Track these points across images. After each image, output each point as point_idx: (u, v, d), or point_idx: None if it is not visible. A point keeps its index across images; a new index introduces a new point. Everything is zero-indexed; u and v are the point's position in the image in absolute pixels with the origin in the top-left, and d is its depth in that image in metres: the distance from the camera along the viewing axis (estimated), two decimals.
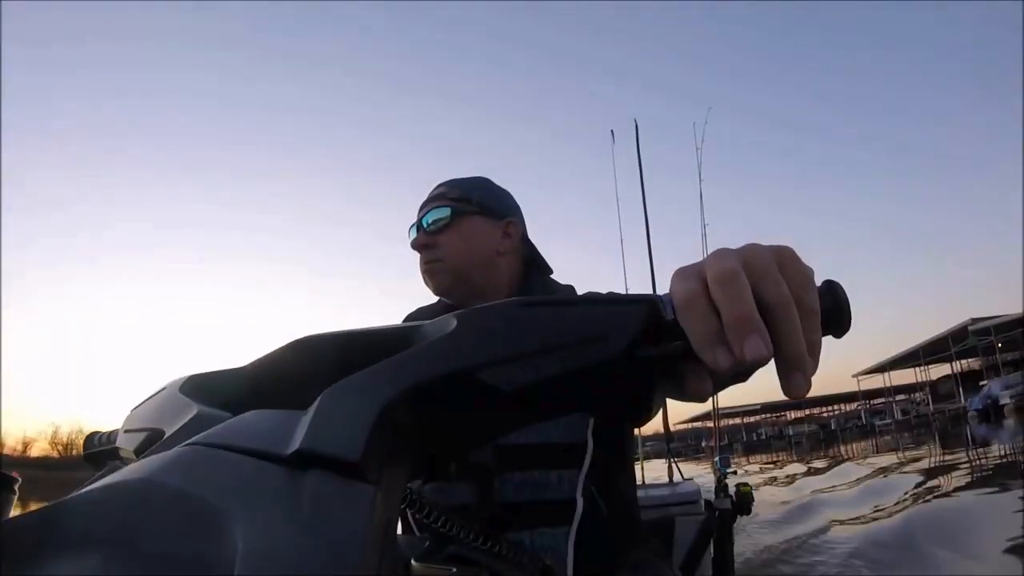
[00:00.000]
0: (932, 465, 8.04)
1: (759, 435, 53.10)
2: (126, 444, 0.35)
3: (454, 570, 0.37)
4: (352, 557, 0.19)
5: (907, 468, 7.97)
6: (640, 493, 1.03)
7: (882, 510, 4.81)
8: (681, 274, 0.29)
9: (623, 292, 0.84)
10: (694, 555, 1.21)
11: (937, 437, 15.29)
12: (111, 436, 0.45)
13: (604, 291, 0.84)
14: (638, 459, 2.54)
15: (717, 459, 1.91)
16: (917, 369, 35.01)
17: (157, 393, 0.36)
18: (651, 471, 3.11)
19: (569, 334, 0.27)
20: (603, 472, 0.78)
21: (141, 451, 0.32)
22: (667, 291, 0.30)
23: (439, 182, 0.92)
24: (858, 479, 7.51)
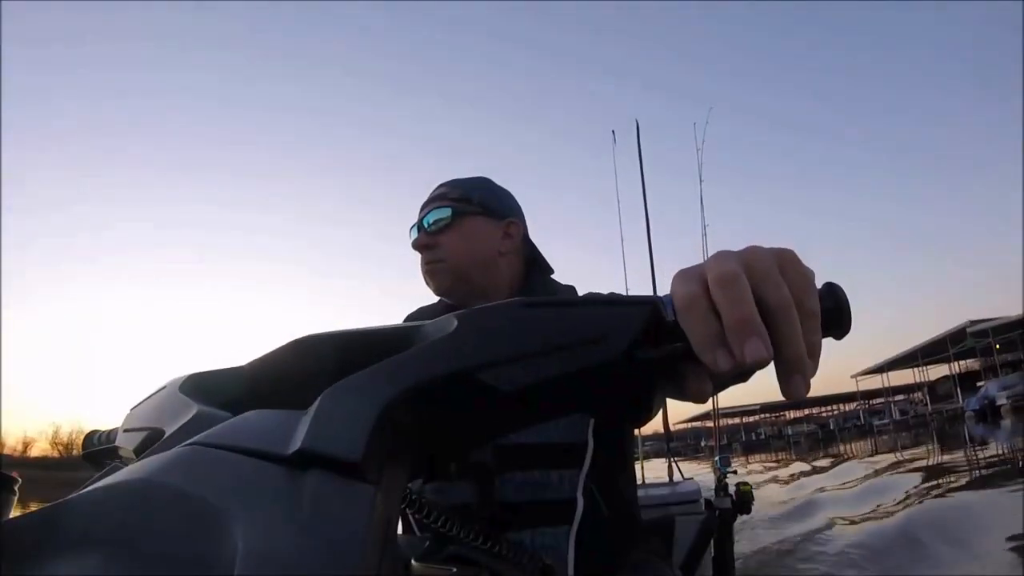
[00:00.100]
0: (930, 464, 8.07)
1: (758, 435, 53.20)
2: (126, 443, 0.35)
3: (454, 570, 0.37)
4: (352, 557, 0.19)
5: (906, 468, 8.00)
6: (640, 493, 1.03)
7: (881, 508, 4.84)
8: (682, 276, 0.29)
9: (624, 293, 0.84)
10: (694, 555, 1.21)
11: (935, 437, 15.33)
12: (110, 435, 0.45)
13: (605, 291, 0.84)
14: (638, 459, 2.54)
15: (717, 459, 1.91)
16: (916, 370, 35.07)
17: (157, 392, 0.36)
18: (651, 470, 3.12)
19: (570, 335, 0.27)
20: (603, 472, 0.78)
21: (141, 451, 0.32)
22: (668, 292, 0.30)
23: (440, 182, 0.92)
24: (861, 477, 7.56)
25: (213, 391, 0.34)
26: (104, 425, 0.48)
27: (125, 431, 0.36)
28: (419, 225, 0.89)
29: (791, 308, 0.28)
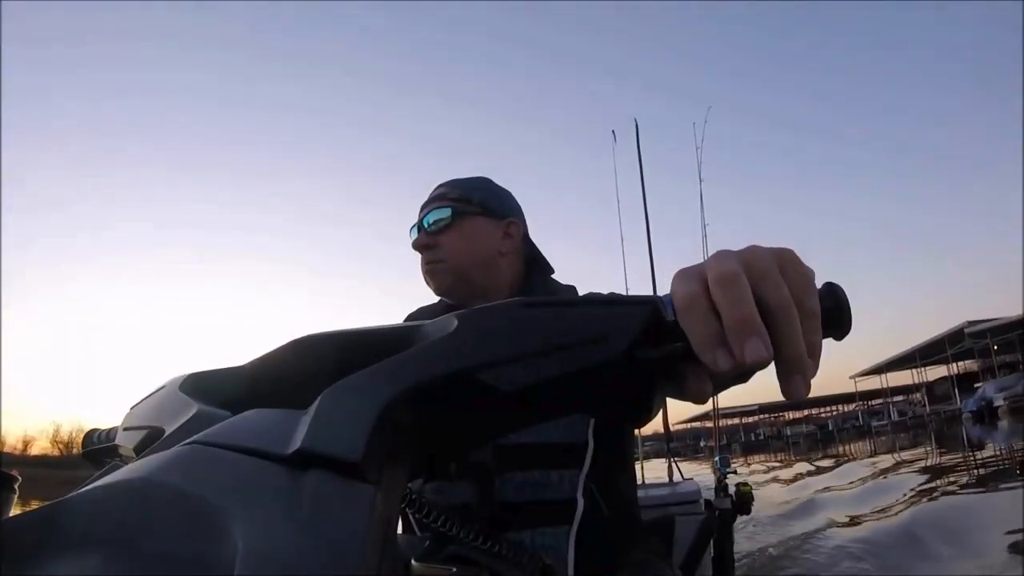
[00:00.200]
0: (929, 465, 8.10)
1: (757, 435, 53.21)
2: (125, 442, 0.35)
3: (454, 570, 0.37)
4: (352, 557, 0.19)
5: (907, 469, 8.03)
6: (640, 493, 1.03)
7: (887, 506, 4.89)
8: (682, 275, 0.29)
9: (624, 292, 0.84)
10: (694, 555, 1.21)
11: (933, 438, 15.36)
12: (110, 434, 0.45)
13: (605, 291, 0.84)
14: (638, 459, 2.54)
15: (717, 459, 1.91)
16: (914, 371, 35.09)
17: (157, 391, 0.36)
18: (651, 470, 3.13)
19: (570, 335, 0.27)
20: (604, 472, 0.78)
21: (141, 449, 0.32)
22: (667, 291, 0.30)
23: (440, 182, 0.92)
24: (863, 478, 7.61)
25: (213, 390, 0.34)
26: (104, 424, 0.48)
27: (125, 430, 0.36)
28: (419, 225, 0.89)
29: (791, 308, 0.28)
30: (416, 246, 0.88)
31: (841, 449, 18.61)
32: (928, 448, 11.93)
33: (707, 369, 0.28)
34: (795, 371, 0.28)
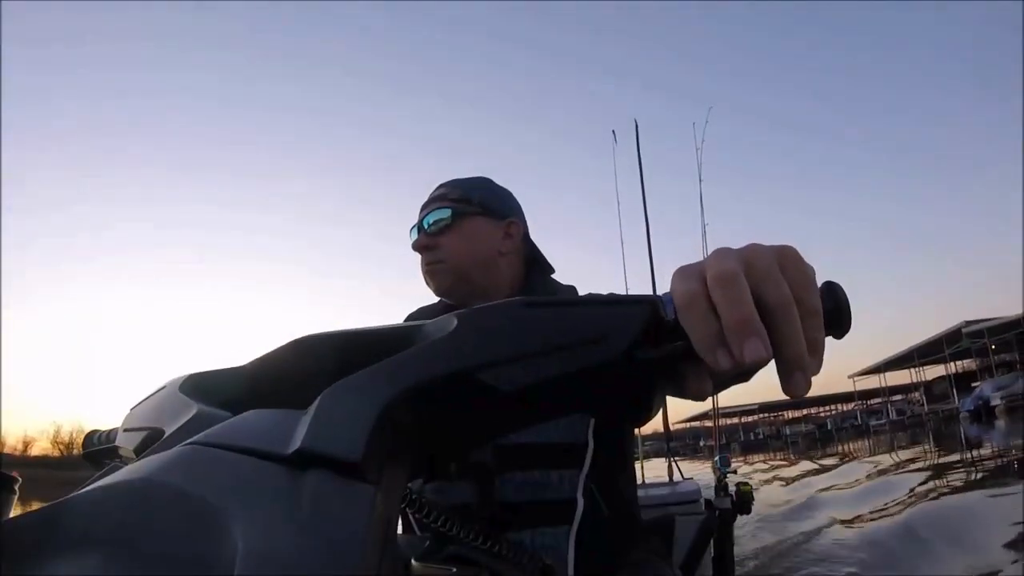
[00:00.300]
0: (927, 464, 8.12)
1: (756, 435, 53.24)
2: (126, 443, 0.35)
3: (454, 570, 0.37)
4: (352, 557, 0.19)
5: (907, 468, 8.05)
6: (640, 492, 1.03)
7: (888, 505, 4.91)
8: (681, 274, 0.29)
9: (624, 292, 0.84)
10: (694, 554, 1.21)
11: (931, 437, 15.39)
12: (110, 435, 0.45)
13: (605, 291, 0.84)
14: (638, 459, 2.54)
15: (717, 458, 1.91)
16: (912, 370, 35.11)
17: (157, 392, 0.36)
18: (651, 470, 3.13)
19: (570, 335, 0.27)
20: (604, 472, 0.78)
21: (141, 450, 0.32)
22: (667, 291, 0.30)
23: (440, 182, 0.92)
24: (865, 476, 7.64)
25: (213, 391, 0.34)
26: (104, 425, 0.48)
27: (125, 431, 0.36)
28: (419, 226, 0.88)
29: (791, 306, 0.27)
30: (416, 247, 0.88)
31: (840, 448, 18.63)
32: (926, 447, 11.96)
33: (707, 368, 0.28)
34: (796, 369, 0.28)
